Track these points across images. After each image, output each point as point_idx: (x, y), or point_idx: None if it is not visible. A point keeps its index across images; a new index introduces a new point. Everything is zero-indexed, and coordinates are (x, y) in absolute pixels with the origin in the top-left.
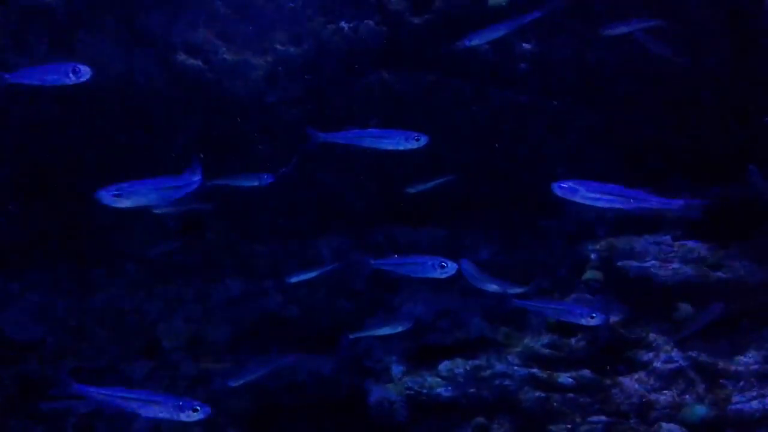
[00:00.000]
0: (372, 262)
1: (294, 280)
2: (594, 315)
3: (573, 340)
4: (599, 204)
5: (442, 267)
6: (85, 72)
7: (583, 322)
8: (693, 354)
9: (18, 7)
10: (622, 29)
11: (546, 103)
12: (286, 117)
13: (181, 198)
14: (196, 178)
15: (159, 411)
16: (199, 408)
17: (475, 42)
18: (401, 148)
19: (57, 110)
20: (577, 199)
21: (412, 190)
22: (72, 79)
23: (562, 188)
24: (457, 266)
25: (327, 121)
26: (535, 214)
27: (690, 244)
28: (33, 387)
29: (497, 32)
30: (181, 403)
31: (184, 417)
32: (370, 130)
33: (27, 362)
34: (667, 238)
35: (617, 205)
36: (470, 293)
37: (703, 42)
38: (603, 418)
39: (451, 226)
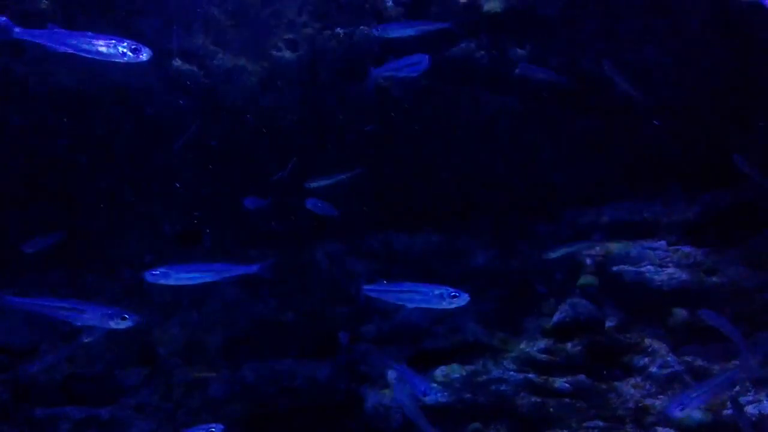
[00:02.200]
0: (365, 287)
1: (314, 185)
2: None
3: (569, 345)
4: (193, 282)
5: (453, 297)
6: (146, 52)
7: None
8: (688, 359)
9: (13, 12)
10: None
11: (541, 108)
12: (282, 122)
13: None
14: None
15: (88, 319)
16: (127, 317)
17: (382, 33)
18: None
19: (53, 115)
20: (171, 282)
21: (312, 185)
22: (128, 58)
23: (154, 275)
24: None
25: (322, 126)
26: (531, 220)
27: (685, 249)
28: (27, 393)
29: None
30: (110, 312)
31: (113, 325)
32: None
33: (21, 368)
34: (662, 244)
35: (209, 279)
36: None
37: (697, 46)
38: (599, 422)
39: (447, 232)
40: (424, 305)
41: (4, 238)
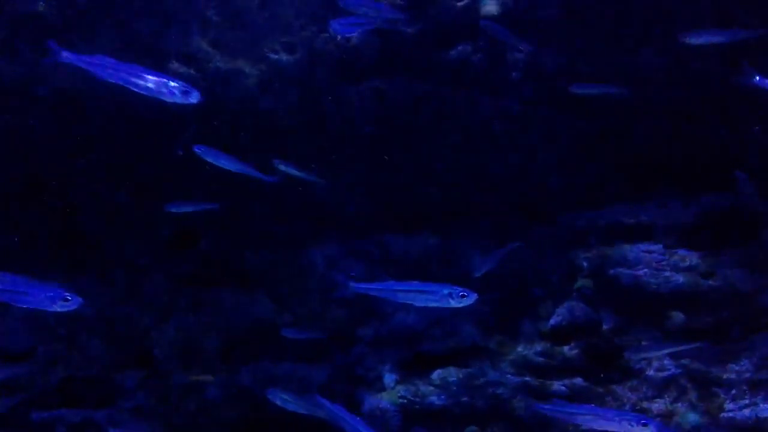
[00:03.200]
0: (353, 285)
1: (282, 168)
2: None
3: (566, 348)
4: None
5: (463, 297)
6: (195, 96)
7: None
8: (685, 362)
9: (8, 15)
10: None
11: (538, 111)
12: (280, 124)
13: None
14: None
15: (30, 302)
16: (70, 298)
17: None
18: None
19: (50, 117)
20: None
21: (281, 167)
22: (176, 98)
23: None
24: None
25: (320, 129)
26: (528, 223)
27: (681, 252)
28: (23, 396)
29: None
30: (51, 294)
31: (57, 308)
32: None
33: (17, 371)
34: (659, 247)
35: None
36: None
37: (694, 50)
38: None
39: (444, 234)
40: (432, 304)
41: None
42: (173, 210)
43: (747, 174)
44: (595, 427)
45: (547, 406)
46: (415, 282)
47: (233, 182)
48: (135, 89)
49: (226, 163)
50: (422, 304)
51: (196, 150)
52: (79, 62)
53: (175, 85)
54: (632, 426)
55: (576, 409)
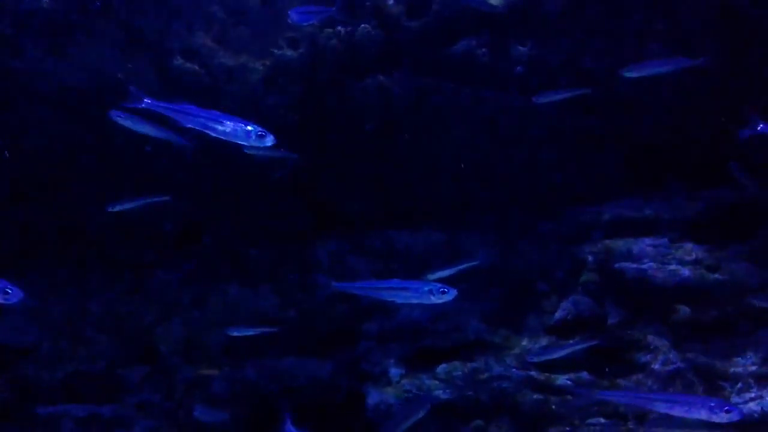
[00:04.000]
0: (335, 284)
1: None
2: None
3: (571, 342)
4: None
5: (443, 293)
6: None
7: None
8: (691, 356)
9: (13, 11)
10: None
11: (542, 106)
12: (284, 120)
13: None
14: None
15: None
16: (10, 291)
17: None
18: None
19: (53, 115)
20: None
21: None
22: (252, 141)
23: None
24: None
25: (324, 124)
26: (533, 217)
27: (687, 246)
28: (29, 392)
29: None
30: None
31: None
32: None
33: (23, 367)
34: (665, 240)
35: None
36: (468, 295)
37: (697, 43)
38: (601, 419)
39: (449, 229)
40: (414, 301)
41: (6, 238)
42: (115, 209)
43: (742, 164)
44: (673, 413)
45: (618, 393)
46: (396, 280)
47: (239, 178)
48: (214, 134)
49: (145, 129)
50: (403, 301)
51: (112, 115)
52: (161, 108)
53: (251, 129)
54: (714, 413)
55: (651, 395)
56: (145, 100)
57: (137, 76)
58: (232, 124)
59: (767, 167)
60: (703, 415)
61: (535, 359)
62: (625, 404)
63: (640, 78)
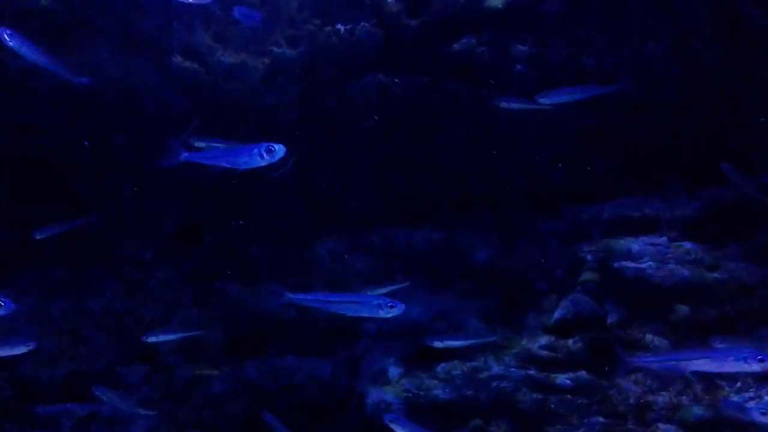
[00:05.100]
0: (289, 295)
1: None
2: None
3: (570, 342)
4: None
5: (391, 308)
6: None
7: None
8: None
9: (12, 10)
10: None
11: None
12: (283, 118)
13: None
14: None
15: None
16: (2, 303)
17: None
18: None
19: (53, 112)
20: None
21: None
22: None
23: None
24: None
25: (323, 122)
26: (532, 216)
27: (686, 245)
28: (29, 390)
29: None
30: None
31: None
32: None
33: (22, 366)
34: (664, 240)
35: None
36: (467, 295)
37: (698, 42)
38: (600, 419)
39: (448, 228)
40: (364, 314)
41: (5, 236)
42: (41, 236)
43: (734, 164)
44: (709, 370)
45: (652, 357)
46: (348, 294)
47: (239, 176)
48: (243, 167)
49: (35, 57)
50: (354, 314)
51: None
52: (199, 160)
53: (263, 150)
54: (748, 363)
55: (683, 355)
56: (184, 154)
57: (137, 74)
58: (247, 153)
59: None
60: (737, 367)
61: (438, 344)
62: (664, 368)
63: (555, 105)
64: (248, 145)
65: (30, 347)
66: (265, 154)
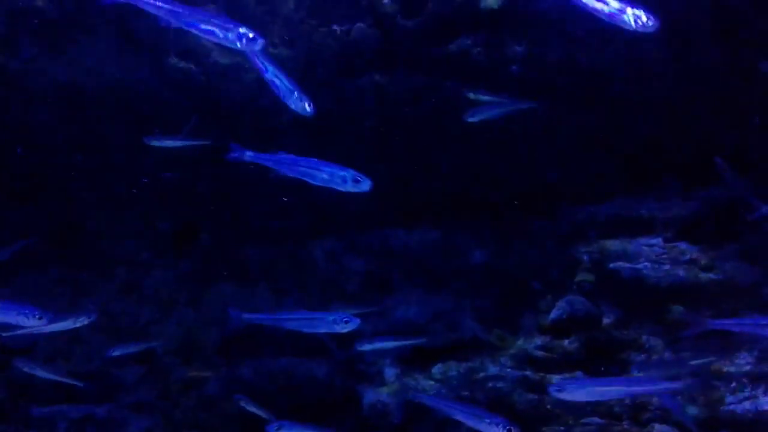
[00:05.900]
0: (245, 316)
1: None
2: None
3: (566, 342)
4: None
5: (346, 323)
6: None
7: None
8: (685, 355)
9: (8, 9)
10: None
11: (537, 105)
12: (279, 119)
13: None
14: None
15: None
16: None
17: None
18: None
19: (49, 114)
20: None
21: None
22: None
23: None
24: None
25: (319, 123)
26: (528, 216)
27: (681, 246)
28: (24, 392)
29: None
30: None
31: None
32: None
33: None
34: (659, 240)
35: None
36: (464, 295)
37: (694, 42)
38: (596, 419)
39: (444, 228)
40: (320, 330)
41: (0, 237)
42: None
43: (727, 160)
44: None
45: (729, 321)
46: (303, 311)
47: (235, 176)
48: (312, 181)
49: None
50: (310, 331)
51: None
52: (261, 160)
53: (345, 174)
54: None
55: (757, 320)
56: (247, 153)
57: (133, 75)
58: (329, 170)
59: (764, 165)
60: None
61: (367, 347)
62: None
63: (482, 122)
64: (333, 164)
65: (92, 319)
66: (349, 181)
